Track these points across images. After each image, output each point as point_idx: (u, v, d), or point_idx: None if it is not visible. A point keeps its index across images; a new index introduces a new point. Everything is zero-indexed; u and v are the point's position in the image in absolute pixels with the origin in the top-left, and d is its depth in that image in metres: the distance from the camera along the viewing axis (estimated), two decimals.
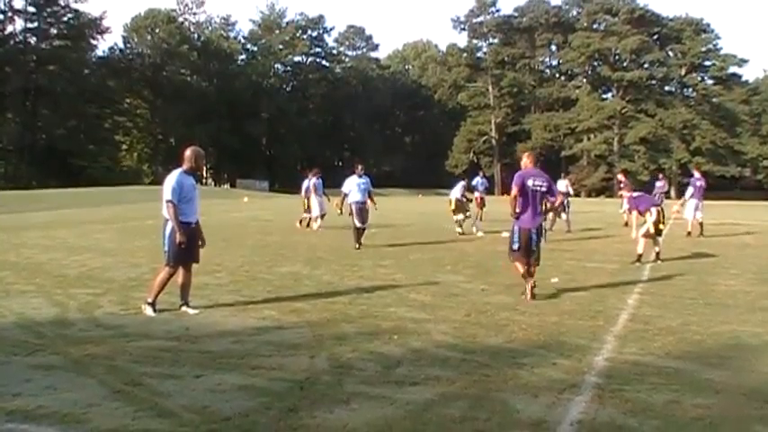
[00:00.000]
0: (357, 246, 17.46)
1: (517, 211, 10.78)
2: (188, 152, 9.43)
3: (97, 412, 5.40)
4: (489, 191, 36.19)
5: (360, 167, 18.22)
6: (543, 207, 11.07)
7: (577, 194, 68.88)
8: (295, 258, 15.67)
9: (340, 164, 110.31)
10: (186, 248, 9.10)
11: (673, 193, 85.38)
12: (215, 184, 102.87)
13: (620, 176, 30.71)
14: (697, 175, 23.67)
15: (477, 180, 28.99)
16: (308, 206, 24.82)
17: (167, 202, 9.02)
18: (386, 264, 14.91)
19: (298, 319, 8.94)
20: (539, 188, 10.82)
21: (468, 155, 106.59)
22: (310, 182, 24.53)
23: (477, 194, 27.53)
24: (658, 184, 33.27)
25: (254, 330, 8.27)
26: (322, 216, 24.21)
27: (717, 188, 78.74)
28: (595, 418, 5.43)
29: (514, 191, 10.80)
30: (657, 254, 15.67)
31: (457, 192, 23.48)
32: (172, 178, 9.15)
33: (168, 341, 7.69)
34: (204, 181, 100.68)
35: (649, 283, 12.69)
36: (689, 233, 22.05)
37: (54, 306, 9.68)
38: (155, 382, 6.17)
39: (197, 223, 9.48)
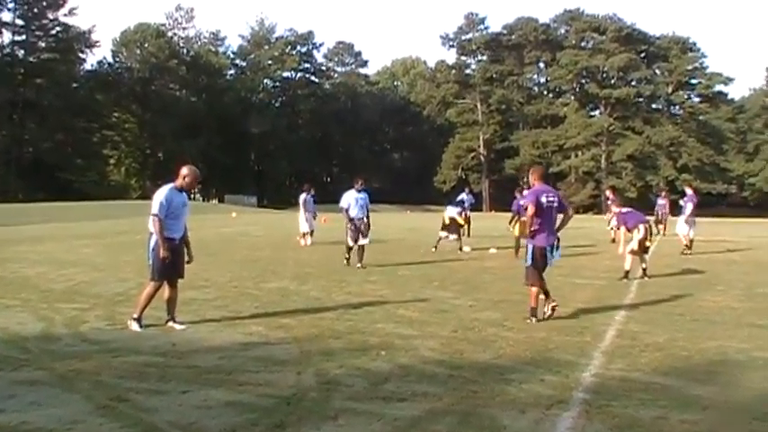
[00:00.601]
0: (347, 262, 17.21)
1: (534, 229, 10.33)
2: (184, 170, 9.40)
3: (82, 428, 5.36)
4: (477, 207, 36.14)
5: (360, 182, 17.61)
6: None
7: None
8: (283, 274, 15.64)
9: (329, 179, 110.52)
10: (170, 263, 9.08)
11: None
12: (203, 200, 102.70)
13: (609, 193, 30.67)
14: (690, 192, 23.72)
15: (464, 196, 29.06)
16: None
17: (153, 216, 9.01)
18: (374, 279, 14.89)
19: (285, 334, 8.90)
20: (552, 203, 10.44)
21: (457, 171, 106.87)
22: (301, 197, 24.67)
23: (462, 210, 27.54)
24: (660, 201, 33.54)
25: (241, 346, 8.22)
26: (311, 233, 24.28)
27: (703, 205, 78.75)
28: None
29: (531, 209, 10.30)
30: (644, 270, 15.69)
31: (457, 208, 23.58)
32: (161, 193, 9.13)
33: (155, 356, 7.65)
34: (193, 196, 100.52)
35: (637, 299, 12.71)
36: (687, 247, 22.17)
37: (40, 321, 9.62)
38: (141, 397, 6.12)
39: (182, 239, 9.46)
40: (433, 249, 21.83)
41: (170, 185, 9.29)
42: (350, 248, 17.25)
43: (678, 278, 15.98)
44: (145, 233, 9.62)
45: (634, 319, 10.53)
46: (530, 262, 10.35)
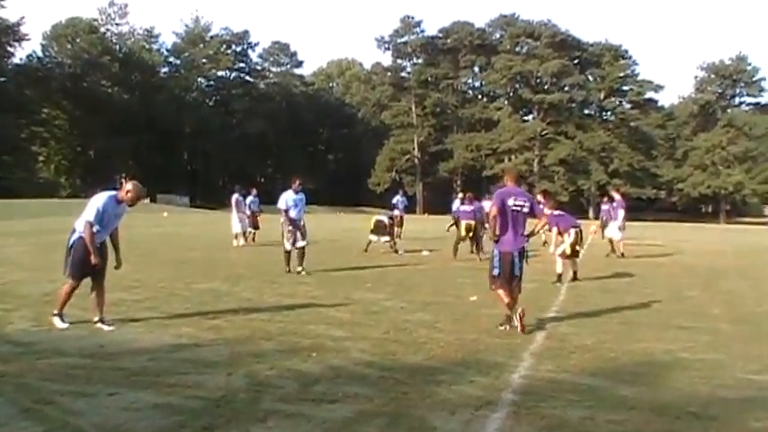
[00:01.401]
0: (288, 268, 16.38)
1: (497, 233, 9.92)
2: (130, 185, 9.29)
3: None
4: (411, 210, 36.38)
5: (298, 182, 17.01)
6: (524, 229, 10.75)
7: None
8: (214, 275, 15.51)
9: (262, 180, 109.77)
10: (87, 263, 8.99)
11: (591, 213, 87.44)
12: None
13: (540, 197, 30.78)
14: (618, 197, 24.20)
15: (398, 198, 29.23)
16: (253, 223, 25.52)
17: (87, 222, 8.90)
18: (306, 281, 14.87)
19: (215, 336, 8.84)
20: (520, 208, 9.96)
21: (391, 173, 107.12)
22: (233, 197, 24.65)
23: (396, 212, 27.63)
24: (604, 207, 33.98)
25: (170, 347, 8.14)
26: (244, 233, 24.25)
27: (633, 209, 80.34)
28: None
29: (493, 210, 9.97)
30: (575, 274, 15.91)
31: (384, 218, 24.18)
32: (99, 200, 9.03)
33: (82, 358, 7.53)
34: None
35: (566, 301, 12.90)
36: (622, 254, 22.29)
37: None
38: (66, 400, 6.03)
39: (102, 245, 9.35)
40: (365, 251, 21.88)
41: (111, 194, 9.19)
42: (289, 252, 16.52)
43: (607, 281, 16.25)
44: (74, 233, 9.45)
45: (563, 322, 10.68)
46: (497, 268, 9.93)
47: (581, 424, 5.79)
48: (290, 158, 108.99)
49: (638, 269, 18.98)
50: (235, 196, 24.69)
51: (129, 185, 9.28)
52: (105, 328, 9.04)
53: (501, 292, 9.88)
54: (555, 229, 16.37)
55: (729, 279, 17.64)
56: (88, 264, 8.95)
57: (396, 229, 25.37)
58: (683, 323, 10.79)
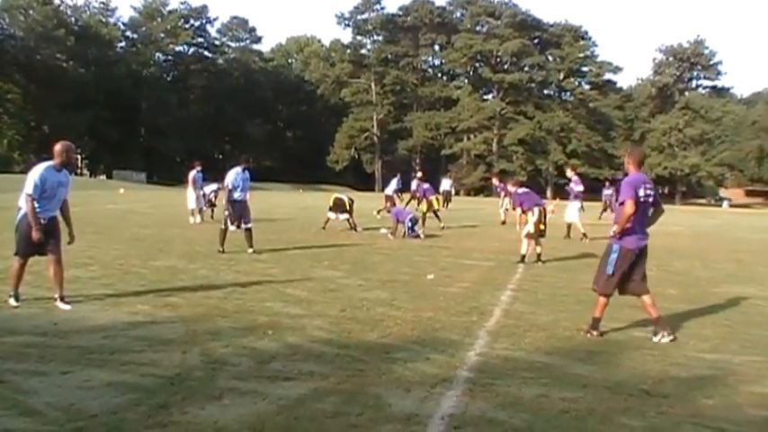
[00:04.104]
0: (222, 249, 15.63)
1: (623, 227, 8.40)
2: (58, 146, 9.10)
3: None
4: (369, 188, 36.49)
5: (250, 160, 16.68)
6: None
7: (457, 193, 70.23)
8: (171, 252, 15.39)
9: (220, 156, 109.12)
10: (32, 240, 8.84)
11: (549, 193, 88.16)
12: (90, 175, 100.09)
13: (495, 181, 31.01)
14: (575, 177, 23.68)
15: (394, 181, 29.63)
16: (207, 200, 25.36)
17: (27, 195, 8.76)
18: (263, 258, 14.83)
19: (171, 313, 8.79)
20: (649, 198, 8.58)
21: (350, 151, 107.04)
22: (191, 174, 24.43)
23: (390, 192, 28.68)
24: (606, 192, 34.64)
25: (125, 325, 8.08)
26: (200, 210, 24.09)
27: (591, 190, 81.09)
28: (466, 412, 5.54)
29: (630, 206, 8.28)
30: (539, 255, 15.77)
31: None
32: (36, 172, 8.86)
33: (35, 336, 7.44)
34: (79, 171, 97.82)
35: (523, 280, 12.99)
36: (584, 234, 21.75)
37: None
38: (19, 379, 5.97)
39: (55, 218, 9.24)
40: (323, 229, 21.88)
41: (47, 164, 9.01)
42: (225, 233, 15.94)
43: (564, 261, 16.36)
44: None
45: (520, 300, 10.76)
46: (611, 266, 8.53)
47: (535, 401, 5.85)
48: (249, 135, 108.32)
49: (596, 250, 19.10)
50: (192, 173, 24.45)
51: (57, 147, 9.09)
52: (62, 306, 8.93)
53: (603, 299, 8.62)
54: (519, 209, 16.22)
55: (685, 260, 17.88)
56: (33, 240, 8.82)
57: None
58: (637, 302, 10.86)
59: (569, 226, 22.43)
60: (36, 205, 8.83)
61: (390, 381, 6.26)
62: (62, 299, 9.08)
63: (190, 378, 6.13)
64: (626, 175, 8.94)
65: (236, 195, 15.94)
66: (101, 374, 6.13)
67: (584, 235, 21.65)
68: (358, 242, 18.98)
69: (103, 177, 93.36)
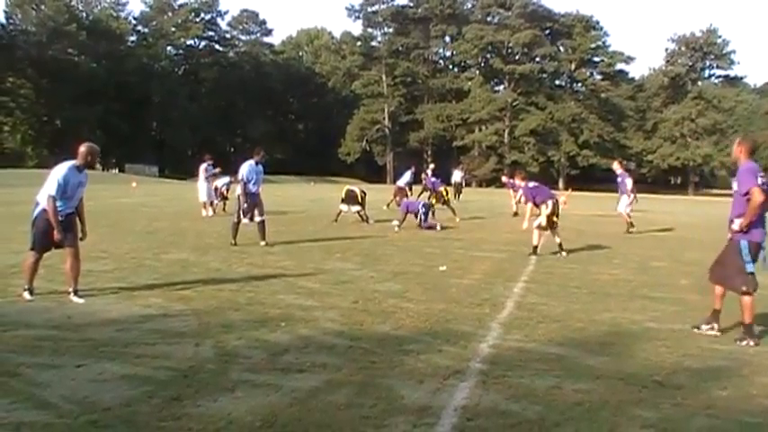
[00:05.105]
0: (234, 242, 15.72)
1: (752, 220, 7.95)
2: (83, 148, 9.20)
3: None
4: (380, 180, 36.46)
5: (262, 154, 16.51)
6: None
7: (468, 184, 70.15)
8: (183, 245, 15.42)
9: (232, 150, 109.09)
10: (49, 236, 8.90)
11: (561, 184, 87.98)
12: (103, 169, 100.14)
13: (504, 179, 31.35)
14: (621, 171, 23.32)
15: (408, 173, 29.42)
16: (219, 193, 25.64)
17: (49, 196, 8.79)
18: (275, 251, 14.84)
19: (184, 306, 8.81)
20: (764, 186, 7.94)
21: (361, 143, 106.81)
22: (201, 167, 24.56)
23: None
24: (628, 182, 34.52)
25: (138, 318, 8.10)
26: (211, 203, 24.17)
27: (603, 180, 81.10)
28: (479, 404, 5.54)
29: (759, 193, 7.80)
30: (560, 245, 15.67)
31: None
32: (59, 172, 8.90)
33: (49, 330, 7.47)
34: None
35: (535, 272, 12.97)
36: (631, 224, 21.92)
37: None
38: (33, 372, 5.99)
39: (71, 215, 9.24)
40: (335, 221, 21.87)
41: (70, 164, 9.06)
42: (238, 225, 15.95)
43: (576, 252, 16.29)
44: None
45: (532, 292, 10.74)
46: (750, 264, 8.03)
47: (548, 393, 5.84)
48: (260, 128, 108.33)
49: (608, 241, 19.10)
50: (203, 165, 24.55)
51: (82, 149, 9.19)
52: (76, 300, 8.96)
53: (748, 300, 8.02)
54: (530, 204, 16.00)
55: (697, 250, 17.78)
56: (50, 236, 8.85)
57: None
58: (649, 293, 10.90)
59: (626, 217, 22.28)
60: (41, 199, 8.88)
61: (403, 373, 6.26)
62: (75, 292, 9.11)
63: (203, 371, 6.14)
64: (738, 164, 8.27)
65: (250, 188, 15.96)
66: (114, 367, 6.14)
67: (631, 225, 21.73)
68: (370, 234, 18.97)
69: (116, 171, 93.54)
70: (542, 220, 15.39)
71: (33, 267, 9.11)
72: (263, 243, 15.81)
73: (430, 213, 21.04)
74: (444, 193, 26.07)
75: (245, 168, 16.02)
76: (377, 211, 24.73)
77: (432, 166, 31.52)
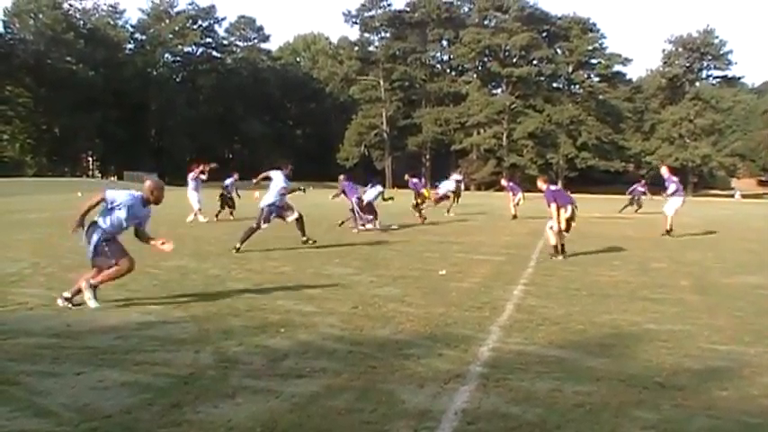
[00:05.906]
0: (239, 247, 15.60)
1: None
2: (149, 183, 9.40)
3: None
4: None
5: (291, 167, 17.02)
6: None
7: (467, 188, 70.13)
8: (182, 252, 15.35)
9: (230, 156, 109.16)
10: (118, 245, 9.18)
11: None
12: (101, 177, 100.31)
13: (504, 182, 31.99)
14: (668, 175, 22.93)
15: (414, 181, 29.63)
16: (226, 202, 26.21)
17: (103, 199, 8.97)
18: (275, 256, 14.83)
19: (183, 313, 8.80)
20: None
21: (360, 148, 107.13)
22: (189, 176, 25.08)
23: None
24: (639, 189, 35.08)
25: (138, 325, 8.09)
26: (200, 210, 24.47)
27: (601, 182, 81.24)
28: (479, 407, 5.51)
29: None
30: (562, 247, 15.64)
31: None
32: (125, 197, 9.15)
33: (48, 338, 7.45)
34: (91, 173, 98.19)
35: (535, 274, 12.94)
36: (669, 229, 21.61)
37: None
38: (33, 380, 5.98)
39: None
40: (339, 225, 22.17)
41: (140, 194, 9.27)
42: (254, 232, 15.87)
43: (576, 254, 16.28)
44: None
45: (532, 294, 10.71)
46: None
47: (549, 396, 5.82)
48: (258, 134, 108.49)
49: (607, 242, 19.09)
50: (191, 174, 25.09)
51: (149, 183, 9.36)
52: (64, 304, 8.95)
53: None
54: (554, 204, 15.85)
55: (696, 251, 17.79)
56: (120, 245, 9.20)
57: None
58: (650, 295, 10.88)
59: (669, 218, 22.00)
60: (101, 221, 9.03)
61: (403, 377, 6.24)
62: (70, 299, 9.04)
63: (203, 377, 6.12)
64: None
65: (269, 201, 16.11)
66: (114, 375, 6.13)
67: (670, 228, 21.55)
68: (368, 239, 18.96)
69: (114, 178, 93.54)
70: (562, 224, 15.40)
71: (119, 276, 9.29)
72: (303, 238, 16.48)
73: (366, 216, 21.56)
74: (426, 194, 27.39)
75: (282, 178, 16.33)
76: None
77: (413, 173, 33.06)
